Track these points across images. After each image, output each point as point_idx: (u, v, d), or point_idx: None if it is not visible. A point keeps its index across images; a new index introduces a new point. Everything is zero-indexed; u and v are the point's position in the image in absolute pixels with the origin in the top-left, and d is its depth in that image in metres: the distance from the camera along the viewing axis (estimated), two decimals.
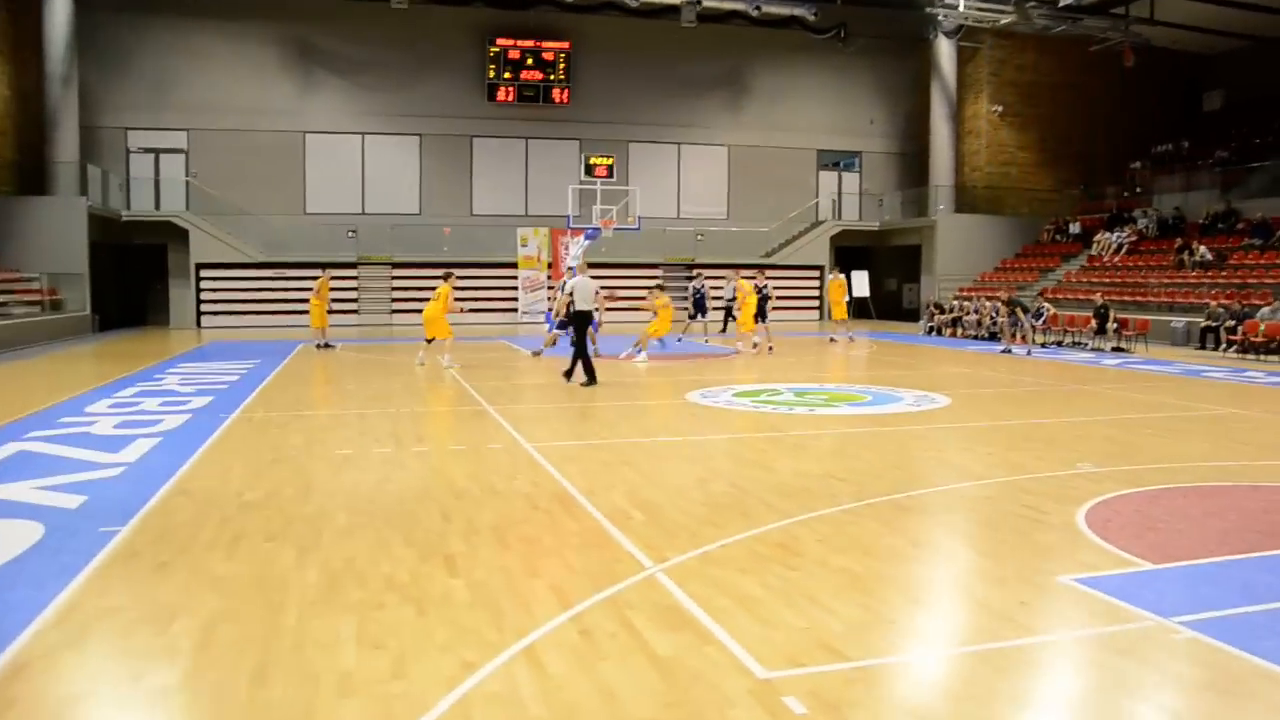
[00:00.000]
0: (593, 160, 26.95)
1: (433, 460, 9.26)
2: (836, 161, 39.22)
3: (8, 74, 28.31)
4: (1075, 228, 35.24)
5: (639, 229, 28.65)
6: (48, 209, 27.54)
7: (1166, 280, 28.00)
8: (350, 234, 32.92)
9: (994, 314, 27.21)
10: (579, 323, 15.60)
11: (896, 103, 39.18)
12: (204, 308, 31.40)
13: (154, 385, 15.09)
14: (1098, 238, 32.97)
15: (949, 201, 36.36)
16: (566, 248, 33.56)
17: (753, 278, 23.53)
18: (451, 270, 19.33)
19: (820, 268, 37.05)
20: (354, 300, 32.16)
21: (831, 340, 25.40)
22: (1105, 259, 31.91)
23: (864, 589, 5.72)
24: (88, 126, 29.81)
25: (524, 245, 33.63)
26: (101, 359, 20.66)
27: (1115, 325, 23.85)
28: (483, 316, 31.88)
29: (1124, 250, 31.72)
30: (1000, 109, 37.10)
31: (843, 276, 26.09)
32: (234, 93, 32.59)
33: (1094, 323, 24.34)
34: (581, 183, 27.79)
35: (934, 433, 11.32)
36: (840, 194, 39.26)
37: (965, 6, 32.48)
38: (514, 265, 33.34)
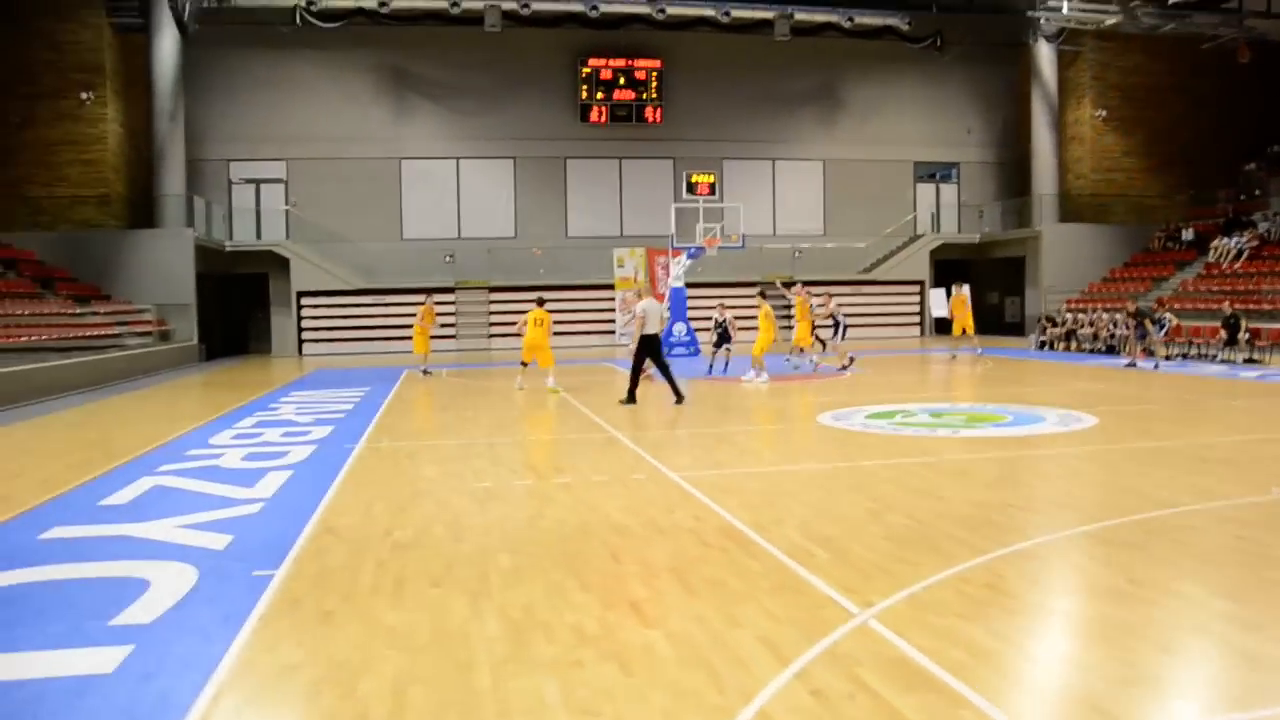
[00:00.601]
0: (694, 178, 26.44)
1: (579, 492, 8.77)
2: (933, 173, 38.26)
3: (121, 111, 28.98)
4: (1188, 234, 33.76)
5: (743, 247, 28.07)
6: (156, 241, 28.01)
7: None
8: (448, 259, 32.90)
9: (1112, 326, 26.11)
10: (650, 346, 15.49)
11: (993, 111, 38.11)
12: (305, 335, 31.62)
13: (271, 415, 14.94)
14: (1215, 244, 31.53)
15: (1053, 211, 35.15)
16: (665, 268, 33.18)
17: (821, 295, 22.91)
18: (542, 296, 19.15)
19: (920, 283, 36.10)
20: (452, 325, 32.08)
21: (953, 357, 24.35)
22: (1224, 266, 30.47)
23: (1105, 637, 5.09)
24: (192, 160, 30.28)
25: (620, 266, 33.29)
26: (214, 388, 20.72)
27: (1247, 336, 22.65)
28: (580, 339, 31.63)
29: (1245, 256, 30.26)
30: (1104, 113, 35.79)
31: (965, 290, 24.92)
32: (330, 122, 32.87)
33: (1223, 333, 23.15)
34: (682, 201, 27.25)
35: (1097, 455, 10.55)
36: (939, 206, 38.25)
37: (1069, 9, 31.39)
38: (610, 287, 32.99)
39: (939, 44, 35.55)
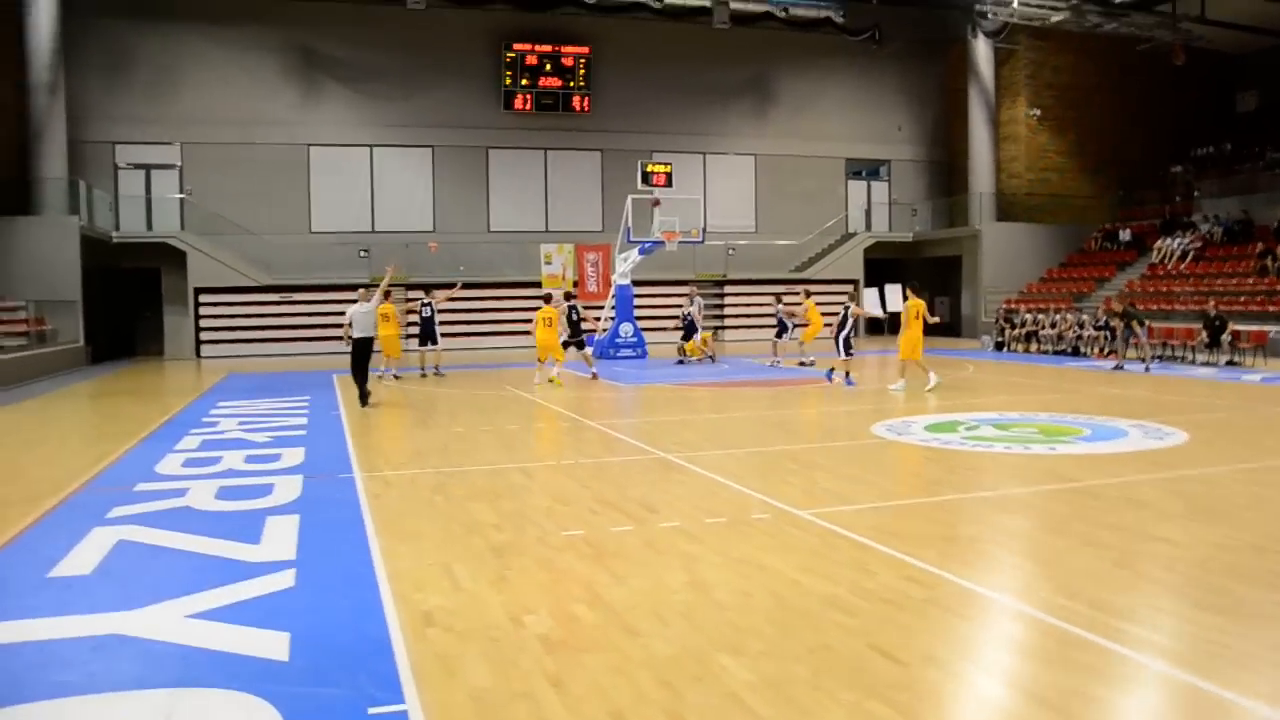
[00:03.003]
0: (650, 168, 24.37)
1: (712, 543, 6.62)
2: (862, 170, 37.08)
3: None
4: (1126, 235, 33.30)
5: (702, 241, 26.17)
6: (33, 230, 24.59)
7: (1250, 288, 26.01)
8: (362, 254, 30.09)
9: (1078, 328, 25.12)
10: (360, 350, 15.21)
11: (922, 108, 37.21)
12: (204, 335, 28.44)
13: (214, 433, 12.30)
14: (1158, 245, 31.02)
15: (991, 210, 34.30)
16: (595, 265, 31.04)
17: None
18: (550, 293, 18.00)
19: (855, 281, 34.83)
20: None
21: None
22: (1169, 266, 29.97)
23: None
24: (72, 140, 26.82)
25: (548, 263, 31.02)
26: (119, 398, 17.76)
27: (1229, 338, 21.82)
28: (506, 340, 29.49)
29: (1190, 257, 29.80)
30: (1039, 112, 35.15)
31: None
32: (231, 103, 29.77)
33: (1204, 334, 22.29)
34: (637, 192, 25.08)
35: (1253, 476, 8.94)
36: (870, 204, 37.11)
37: (1018, 3, 30.44)
38: (537, 284, 30.68)
39: (877, 37, 34.33)
